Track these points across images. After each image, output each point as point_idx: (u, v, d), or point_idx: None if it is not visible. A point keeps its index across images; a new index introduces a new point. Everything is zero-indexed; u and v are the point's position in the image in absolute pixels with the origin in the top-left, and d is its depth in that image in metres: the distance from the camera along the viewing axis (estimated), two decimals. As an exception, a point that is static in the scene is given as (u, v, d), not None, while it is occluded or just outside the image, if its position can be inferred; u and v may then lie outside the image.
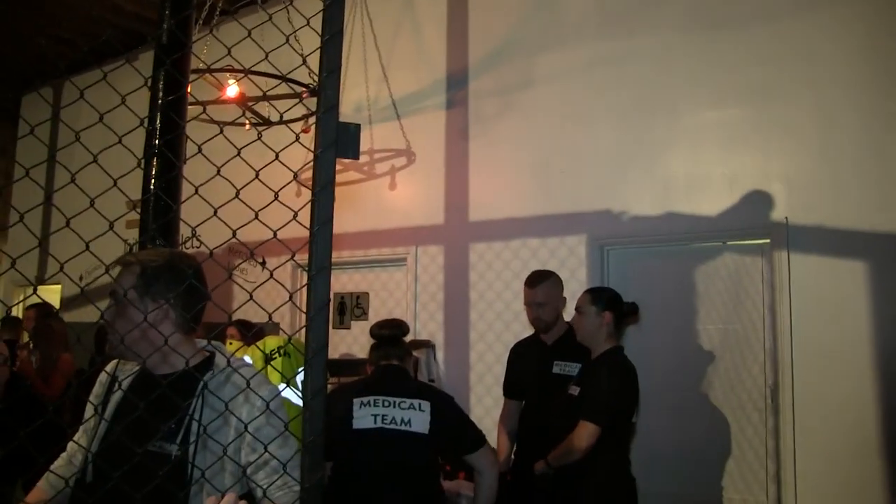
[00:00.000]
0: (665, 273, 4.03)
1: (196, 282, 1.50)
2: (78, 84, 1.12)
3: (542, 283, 3.21)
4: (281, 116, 3.92)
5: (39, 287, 7.26)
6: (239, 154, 1.16)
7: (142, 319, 1.36)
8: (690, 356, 3.88)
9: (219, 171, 1.17)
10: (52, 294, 7.28)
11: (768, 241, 3.65)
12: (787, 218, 3.57)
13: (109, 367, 1.66)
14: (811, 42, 3.60)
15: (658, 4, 4.10)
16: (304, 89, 4.12)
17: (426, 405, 2.39)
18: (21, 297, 7.46)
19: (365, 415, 2.36)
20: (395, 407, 2.37)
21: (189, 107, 3.22)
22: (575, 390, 2.83)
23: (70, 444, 1.67)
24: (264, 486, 1.43)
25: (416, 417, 2.37)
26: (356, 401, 2.38)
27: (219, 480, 1.43)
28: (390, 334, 2.53)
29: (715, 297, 3.86)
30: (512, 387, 3.42)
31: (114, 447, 1.47)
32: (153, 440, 1.43)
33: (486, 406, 4.41)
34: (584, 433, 2.64)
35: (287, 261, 1.23)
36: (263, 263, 5.35)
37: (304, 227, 1.10)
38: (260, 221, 1.26)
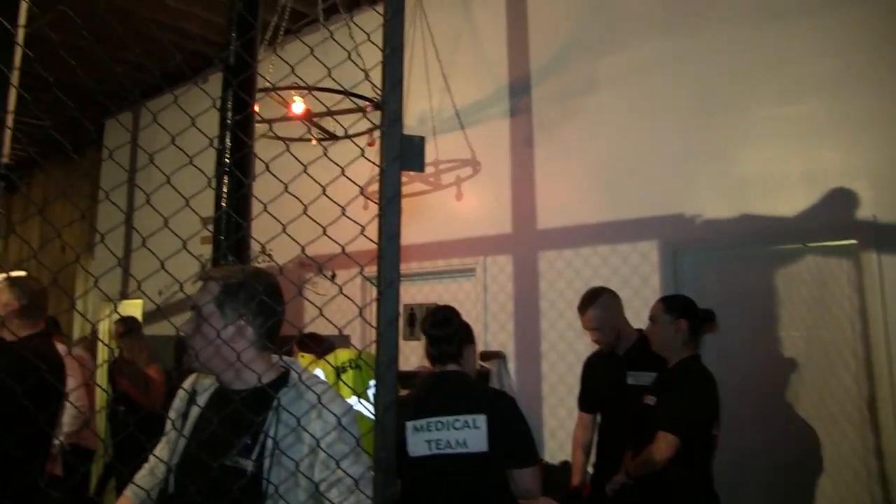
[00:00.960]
0: (742, 278, 3.84)
1: (273, 298, 1.52)
2: (152, 108, 1.15)
3: (590, 308, 3.11)
4: (346, 131, 3.98)
5: (126, 302, 7.62)
6: (305, 170, 1.16)
7: (215, 335, 1.39)
8: (773, 365, 3.67)
9: (286, 188, 1.18)
10: (135, 309, 7.62)
11: (855, 241, 3.42)
12: (874, 216, 3.33)
13: (188, 383, 1.70)
14: (890, 24, 3.37)
15: (723, -2, 3.94)
16: (367, 103, 4.16)
17: (481, 420, 2.24)
18: (107, 312, 7.84)
19: (418, 441, 2.25)
20: (448, 428, 2.24)
21: (256, 125, 3.30)
22: (651, 400, 2.76)
23: (151, 457, 1.72)
24: (337, 504, 1.43)
25: (472, 436, 2.23)
26: (409, 425, 2.25)
27: (293, 496, 1.44)
28: (443, 335, 2.39)
29: (798, 302, 3.66)
30: (586, 400, 3.38)
31: (192, 461, 1.50)
32: (229, 455, 1.45)
33: (560, 418, 4.32)
34: (664, 444, 2.56)
35: (356, 275, 1.23)
36: (333, 277, 5.43)
37: (372, 241, 1.09)
38: (328, 236, 1.26)
